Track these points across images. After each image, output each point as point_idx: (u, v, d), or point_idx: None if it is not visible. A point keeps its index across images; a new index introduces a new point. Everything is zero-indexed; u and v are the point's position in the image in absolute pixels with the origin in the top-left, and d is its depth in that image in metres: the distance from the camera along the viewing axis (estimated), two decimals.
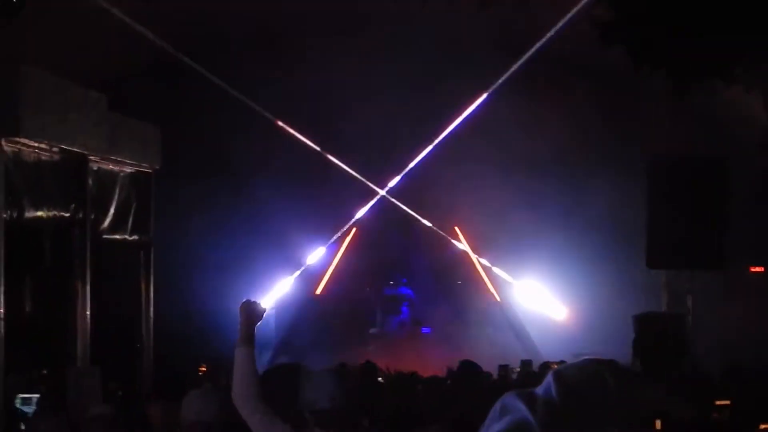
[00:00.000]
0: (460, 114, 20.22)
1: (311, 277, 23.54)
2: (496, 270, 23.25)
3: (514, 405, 2.17)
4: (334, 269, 23.89)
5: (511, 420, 2.16)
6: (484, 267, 23.65)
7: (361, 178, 21.12)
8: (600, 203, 20.34)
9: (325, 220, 22.02)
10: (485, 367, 14.26)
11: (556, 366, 11.81)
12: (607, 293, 20.37)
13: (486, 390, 9.83)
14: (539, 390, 2.17)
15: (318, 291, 23.79)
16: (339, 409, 4.78)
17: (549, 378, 2.18)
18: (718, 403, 4.01)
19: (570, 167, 21.26)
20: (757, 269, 20.05)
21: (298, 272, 22.65)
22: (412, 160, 21.05)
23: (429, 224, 22.56)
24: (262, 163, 20.74)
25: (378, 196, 21.74)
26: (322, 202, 21.51)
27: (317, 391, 4.88)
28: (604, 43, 15.86)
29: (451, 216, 23.00)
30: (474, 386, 10.51)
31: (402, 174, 21.32)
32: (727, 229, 17.25)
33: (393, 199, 21.90)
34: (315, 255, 22.80)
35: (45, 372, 12.98)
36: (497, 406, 2.20)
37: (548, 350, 19.74)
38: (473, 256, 23.58)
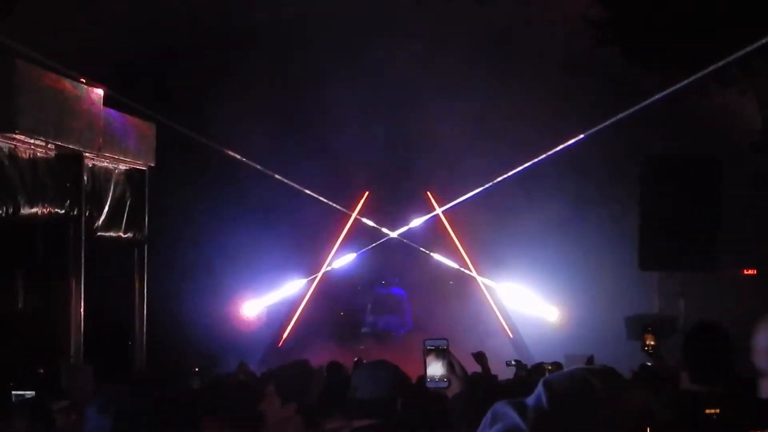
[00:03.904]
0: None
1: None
2: (477, 277, 23.34)
3: (504, 413, 2.20)
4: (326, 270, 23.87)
5: (502, 427, 2.19)
6: (475, 269, 23.70)
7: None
8: (594, 204, 20.35)
9: (323, 216, 21.91)
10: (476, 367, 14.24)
11: (549, 367, 11.84)
12: (600, 295, 20.33)
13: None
14: (530, 400, 2.21)
15: (280, 344, 23.48)
16: (377, 399, 4.91)
17: (539, 387, 2.21)
18: (707, 411, 4.02)
19: (567, 170, 21.10)
20: (750, 272, 20.03)
21: (317, 276, 22.88)
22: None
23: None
24: (261, 161, 20.72)
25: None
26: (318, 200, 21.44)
27: (360, 382, 5.03)
28: (599, 42, 15.92)
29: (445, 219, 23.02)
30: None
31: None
32: (719, 231, 17.27)
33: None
34: (340, 261, 23.06)
35: (38, 368, 12.95)
36: (489, 414, 2.23)
37: (541, 351, 19.70)
38: (466, 258, 23.63)
